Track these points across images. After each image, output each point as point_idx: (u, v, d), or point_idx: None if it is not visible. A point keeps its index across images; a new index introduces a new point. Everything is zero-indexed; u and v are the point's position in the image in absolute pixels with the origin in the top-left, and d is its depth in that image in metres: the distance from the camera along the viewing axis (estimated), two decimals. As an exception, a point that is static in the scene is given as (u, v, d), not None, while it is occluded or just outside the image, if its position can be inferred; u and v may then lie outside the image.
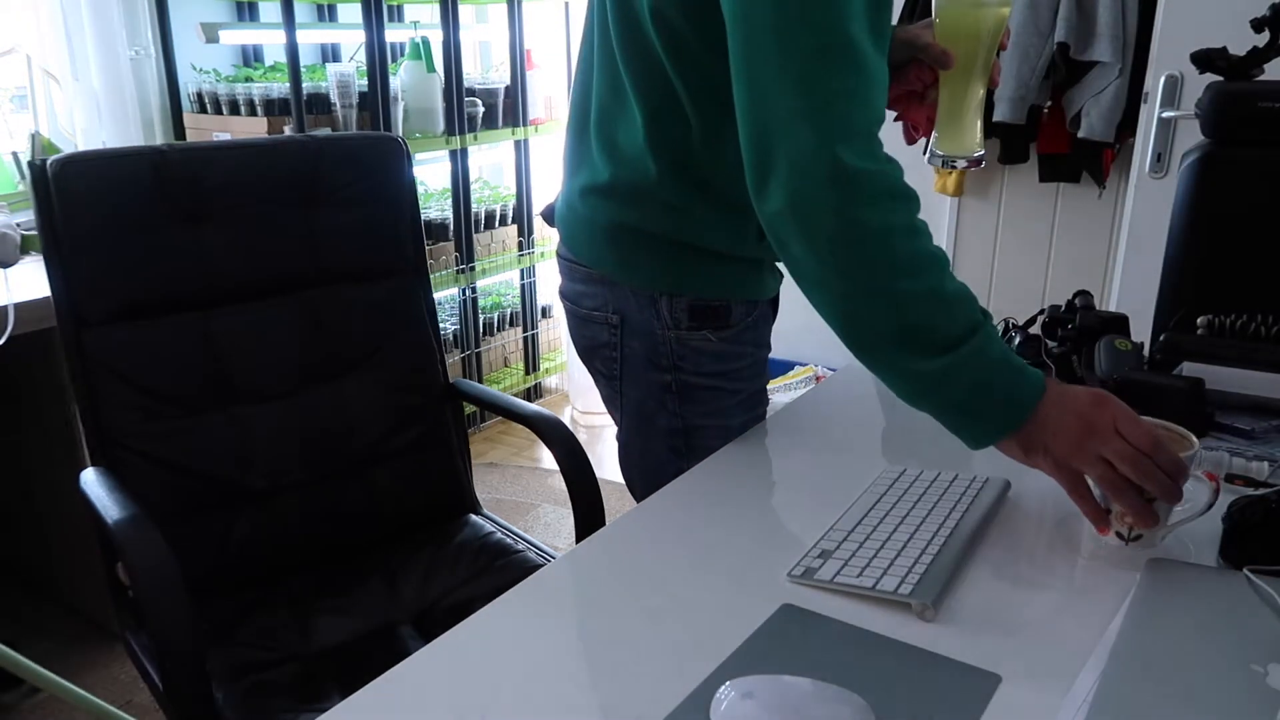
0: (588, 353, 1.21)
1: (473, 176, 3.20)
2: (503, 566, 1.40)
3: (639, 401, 1.17)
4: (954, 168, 1.11)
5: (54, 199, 1.25)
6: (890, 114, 1.22)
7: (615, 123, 1.06)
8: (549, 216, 1.24)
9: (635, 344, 1.13)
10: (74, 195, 1.25)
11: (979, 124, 1.09)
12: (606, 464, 2.94)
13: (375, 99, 2.73)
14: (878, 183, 0.85)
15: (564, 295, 1.21)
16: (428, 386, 1.53)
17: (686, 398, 1.14)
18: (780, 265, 1.20)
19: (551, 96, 3.43)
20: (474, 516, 1.55)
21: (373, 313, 1.48)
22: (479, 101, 3.09)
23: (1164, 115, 2.07)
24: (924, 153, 1.15)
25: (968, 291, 0.87)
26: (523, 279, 3.48)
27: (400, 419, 1.49)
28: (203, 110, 2.74)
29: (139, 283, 1.30)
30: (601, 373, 1.20)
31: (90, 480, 1.21)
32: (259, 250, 1.39)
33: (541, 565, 1.39)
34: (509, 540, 1.46)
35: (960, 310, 0.86)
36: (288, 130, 2.61)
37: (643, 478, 1.22)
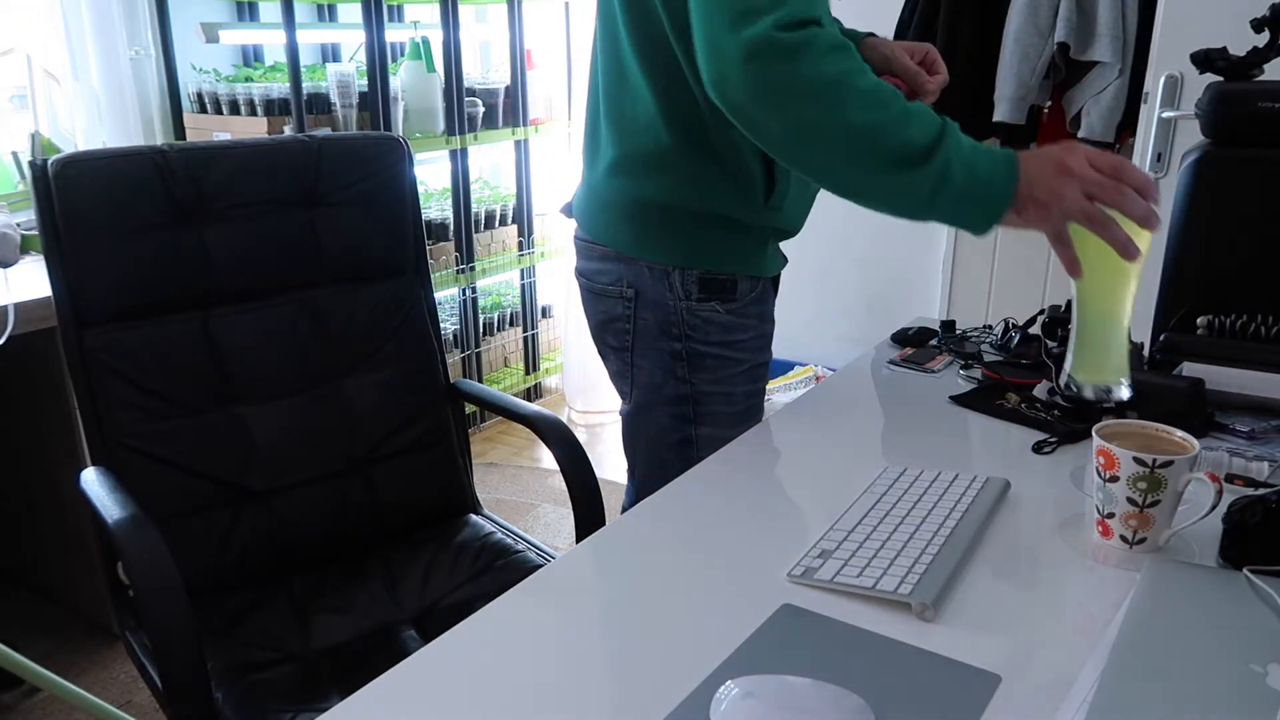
0: (601, 326, 1.29)
1: (473, 176, 3.19)
2: (503, 567, 1.40)
3: (649, 371, 1.26)
4: (1089, 399, 0.95)
5: (55, 199, 1.25)
6: None
7: (624, 104, 1.16)
8: (568, 211, 1.33)
9: (648, 315, 1.22)
10: (75, 195, 1.25)
11: (1124, 353, 0.93)
12: (606, 464, 2.93)
13: (375, 99, 2.73)
14: (820, 42, 0.92)
15: (580, 273, 1.29)
16: (428, 386, 1.53)
17: (695, 366, 1.23)
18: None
19: (551, 96, 3.43)
20: (474, 516, 1.55)
21: (373, 313, 1.48)
22: (479, 101, 3.09)
23: (1164, 115, 2.07)
24: (1056, 377, 1.09)
25: (923, 105, 0.96)
26: (523, 279, 3.48)
27: (401, 419, 1.49)
28: (203, 110, 2.74)
29: (140, 282, 1.30)
30: (613, 346, 1.28)
31: (90, 480, 1.21)
32: (260, 250, 1.39)
33: (541, 565, 1.39)
34: (509, 540, 1.46)
35: (926, 118, 0.94)
36: (288, 130, 2.61)
37: (647, 448, 1.31)
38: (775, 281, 1.32)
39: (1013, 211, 0.93)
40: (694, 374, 1.23)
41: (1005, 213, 0.94)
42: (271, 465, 1.38)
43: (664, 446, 1.29)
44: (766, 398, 2.90)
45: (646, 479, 1.32)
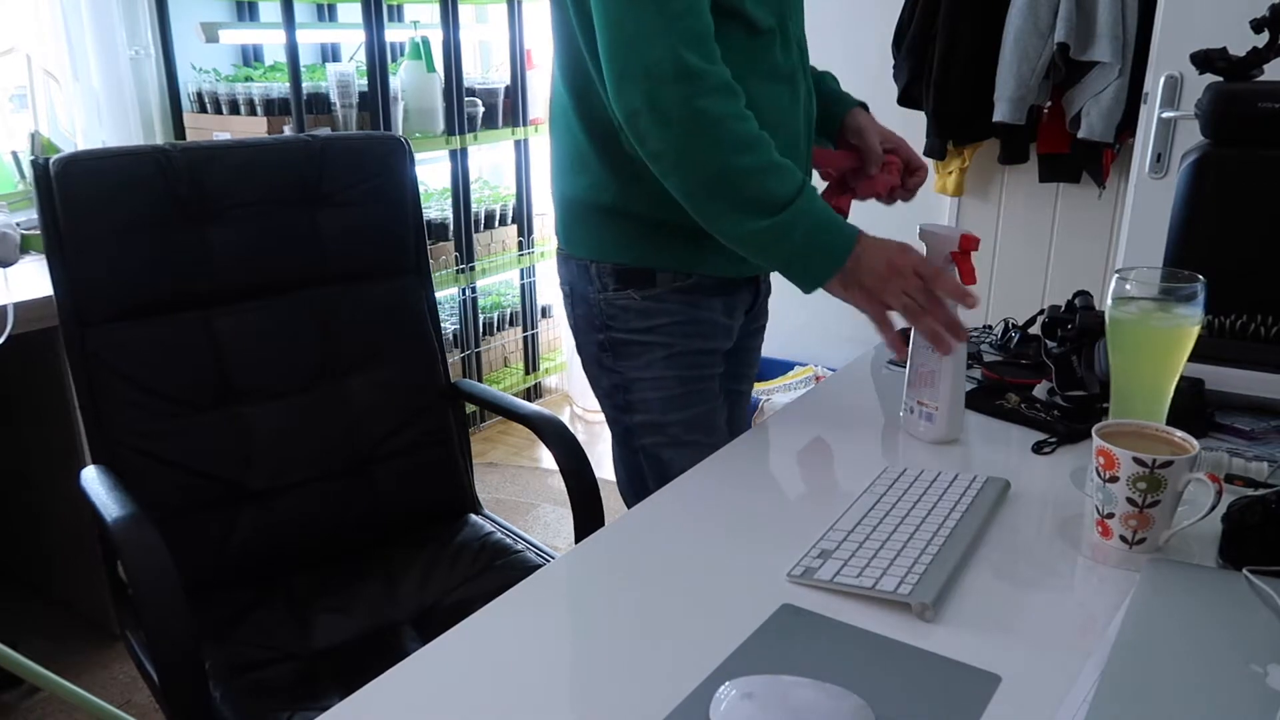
0: (571, 329, 1.33)
1: (473, 176, 3.19)
2: (503, 566, 1.40)
3: (587, 365, 1.30)
4: None
5: (56, 198, 1.25)
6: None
7: (556, 104, 1.23)
8: None
9: (579, 310, 1.26)
10: (76, 194, 1.25)
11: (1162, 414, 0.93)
12: (606, 463, 2.92)
13: (375, 99, 2.73)
14: (714, 79, 1.02)
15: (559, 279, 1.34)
16: (429, 386, 1.53)
17: (619, 354, 1.25)
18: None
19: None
20: (474, 516, 1.55)
21: (374, 312, 1.48)
22: (479, 101, 3.09)
23: (1164, 115, 2.07)
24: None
25: (790, 163, 1.06)
26: (523, 279, 3.48)
27: (401, 419, 1.49)
28: (203, 110, 2.74)
29: (141, 282, 1.30)
30: (577, 345, 1.33)
31: (91, 478, 1.21)
32: (261, 249, 1.39)
33: (542, 565, 1.39)
34: (509, 540, 1.46)
35: (787, 176, 1.05)
36: (287, 130, 2.61)
37: (615, 449, 1.35)
38: (752, 285, 1.31)
39: (839, 284, 1.07)
40: (619, 362, 1.25)
41: (829, 282, 1.07)
42: (272, 464, 1.38)
43: (620, 445, 1.32)
44: (766, 398, 2.91)
45: (621, 484, 1.35)
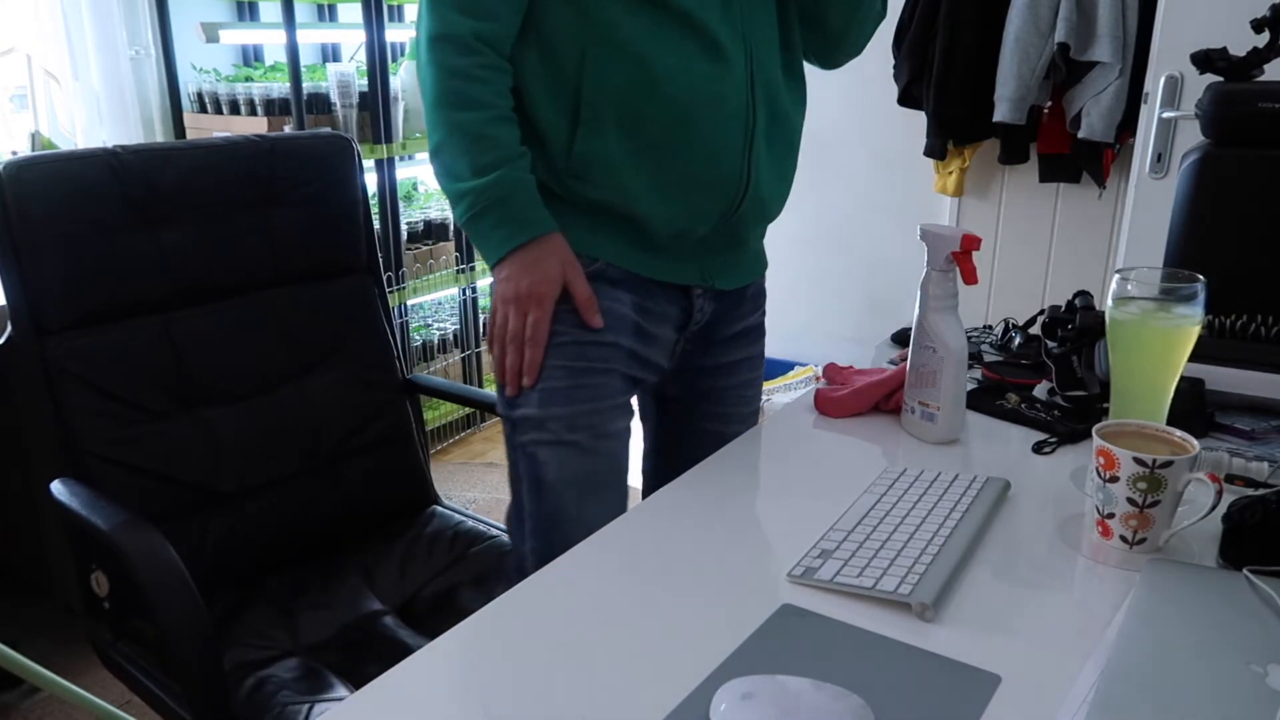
0: None
1: (473, 176, 3.19)
2: (479, 553, 1.43)
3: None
4: None
5: (9, 204, 1.22)
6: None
7: None
8: None
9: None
10: (29, 200, 1.23)
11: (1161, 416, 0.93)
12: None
13: (375, 99, 2.73)
14: (455, 28, 1.10)
15: None
16: (387, 383, 1.55)
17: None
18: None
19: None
20: (438, 508, 1.57)
21: (330, 311, 1.49)
22: (479, 101, 3.08)
23: (1164, 115, 2.07)
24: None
25: (508, 142, 1.10)
26: (523, 279, 3.47)
27: (362, 415, 1.51)
28: (203, 110, 2.74)
29: (98, 287, 1.29)
30: None
31: (62, 492, 1.19)
32: (217, 251, 1.39)
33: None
34: (481, 527, 1.49)
35: (488, 152, 1.08)
36: (288, 130, 2.61)
37: None
38: (678, 294, 1.18)
39: (497, 271, 1.12)
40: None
41: (491, 263, 1.12)
42: (240, 466, 1.38)
43: (506, 445, 1.23)
44: (766, 398, 2.91)
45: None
